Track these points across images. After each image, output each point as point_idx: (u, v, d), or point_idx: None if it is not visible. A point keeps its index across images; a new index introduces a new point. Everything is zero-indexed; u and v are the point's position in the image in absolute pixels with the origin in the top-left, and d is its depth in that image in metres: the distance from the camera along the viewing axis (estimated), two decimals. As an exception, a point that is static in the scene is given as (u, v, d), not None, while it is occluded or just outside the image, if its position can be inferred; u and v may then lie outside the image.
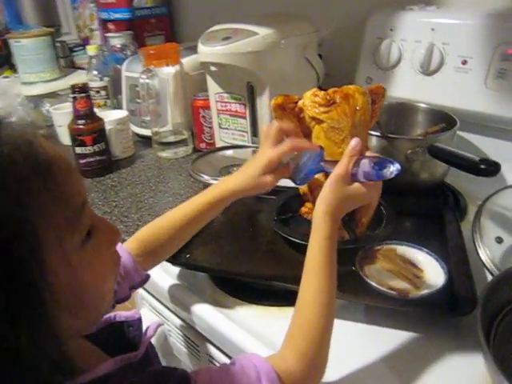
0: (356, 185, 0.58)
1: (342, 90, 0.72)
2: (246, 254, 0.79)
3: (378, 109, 0.77)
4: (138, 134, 1.42)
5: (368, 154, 0.60)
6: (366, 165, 0.57)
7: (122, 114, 1.32)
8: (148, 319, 0.84)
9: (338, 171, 0.57)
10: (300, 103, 0.73)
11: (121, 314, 0.56)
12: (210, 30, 1.12)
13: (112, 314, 0.55)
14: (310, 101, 0.71)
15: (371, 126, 0.78)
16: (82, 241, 0.40)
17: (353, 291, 0.68)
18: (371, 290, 0.67)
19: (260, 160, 0.68)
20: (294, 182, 0.70)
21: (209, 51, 1.06)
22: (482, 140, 1.03)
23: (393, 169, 0.56)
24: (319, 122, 0.71)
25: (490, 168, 0.71)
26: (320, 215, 0.56)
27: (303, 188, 0.76)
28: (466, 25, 0.98)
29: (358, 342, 0.64)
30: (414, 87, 1.07)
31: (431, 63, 1.02)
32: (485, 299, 0.58)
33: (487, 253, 0.74)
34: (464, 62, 0.99)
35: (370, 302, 0.69)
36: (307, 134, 0.75)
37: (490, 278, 0.71)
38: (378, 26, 1.11)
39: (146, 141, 1.38)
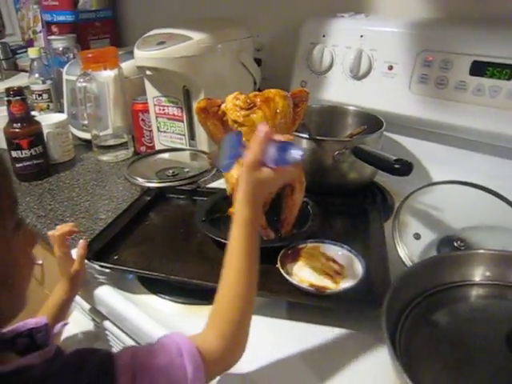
0: (265, 170, 0.57)
1: (263, 94, 0.74)
2: (176, 255, 0.80)
3: (300, 111, 0.80)
4: (79, 138, 1.41)
5: (277, 137, 0.59)
6: (271, 150, 0.58)
7: (60, 117, 1.31)
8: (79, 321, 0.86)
9: (246, 159, 0.57)
10: (223, 106, 0.75)
11: (29, 321, 0.56)
12: (147, 34, 1.13)
13: (21, 323, 0.55)
14: (232, 104, 0.73)
15: (294, 128, 0.81)
16: (13, 229, 0.45)
17: (275, 289, 0.71)
18: (292, 287, 0.70)
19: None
20: (218, 168, 0.70)
21: (144, 55, 1.07)
22: (408, 141, 1.07)
23: (295, 153, 0.57)
24: (241, 125, 0.73)
25: (403, 168, 0.75)
26: (237, 203, 0.58)
27: (229, 189, 0.78)
28: (391, 32, 1.03)
29: (279, 338, 0.66)
30: (345, 91, 1.10)
31: (360, 68, 1.06)
32: (392, 293, 0.61)
33: (405, 249, 0.78)
34: (390, 68, 1.03)
35: (290, 298, 0.71)
36: (231, 137, 0.77)
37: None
38: (312, 32, 1.15)
39: (87, 144, 1.37)
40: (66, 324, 0.62)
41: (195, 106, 0.75)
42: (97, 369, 0.44)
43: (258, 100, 0.73)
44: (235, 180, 0.75)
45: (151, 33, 1.13)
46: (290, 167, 0.58)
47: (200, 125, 0.76)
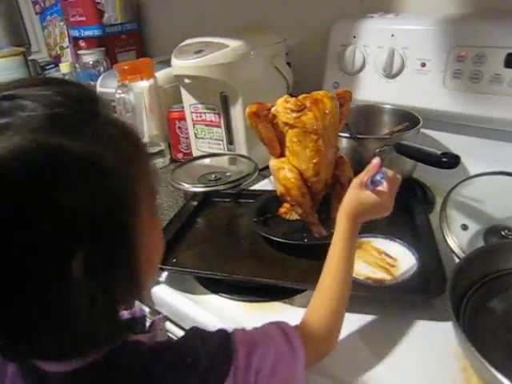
0: (368, 192, 0.66)
1: (311, 96, 0.77)
2: (229, 255, 0.83)
3: (345, 111, 0.83)
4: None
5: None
6: (374, 174, 0.67)
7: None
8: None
9: (354, 180, 0.68)
10: (273, 110, 0.77)
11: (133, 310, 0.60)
12: (183, 44, 1.16)
13: (137, 308, 0.59)
14: (282, 107, 0.76)
15: (340, 127, 0.83)
16: (153, 213, 0.48)
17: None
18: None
19: None
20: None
21: (182, 64, 1.11)
22: (445, 136, 1.09)
23: (378, 176, 0.66)
24: (292, 126, 0.76)
25: (451, 160, 0.77)
26: (339, 216, 0.65)
27: (281, 189, 0.80)
28: (422, 30, 1.05)
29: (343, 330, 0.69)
30: (379, 90, 1.13)
31: (393, 67, 1.09)
32: (453, 280, 0.63)
33: (454, 239, 0.80)
34: (423, 65, 1.05)
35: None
36: (281, 139, 0.80)
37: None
38: (342, 34, 1.17)
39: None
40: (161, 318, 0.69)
41: (246, 110, 0.77)
42: (218, 343, 0.48)
43: (308, 102, 0.76)
44: (289, 182, 0.77)
45: (187, 42, 1.16)
46: (384, 192, 0.67)
47: (251, 128, 0.79)
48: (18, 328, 0.38)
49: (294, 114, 0.75)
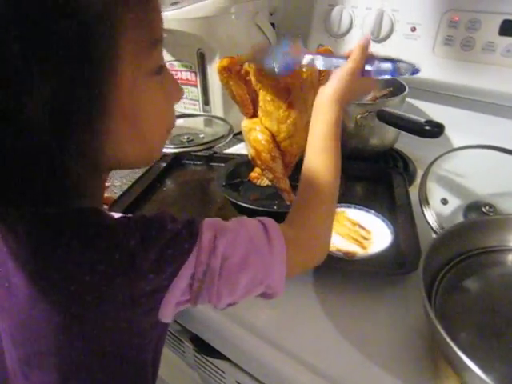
0: (365, 79, 0.59)
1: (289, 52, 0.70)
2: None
3: (325, 72, 0.76)
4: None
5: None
6: (377, 62, 0.59)
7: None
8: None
9: (351, 65, 0.58)
10: (246, 66, 0.71)
11: None
12: (159, -6, 1.08)
13: None
14: (257, 62, 0.70)
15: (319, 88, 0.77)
16: (151, 72, 0.40)
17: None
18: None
19: None
20: (270, 69, 0.64)
21: (157, 16, 1.03)
22: (430, 106, 1.04)
23: (409, 68, 0.58)
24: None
25: (434, 129, 0.72)
26: (327, 102, 0.57)
27: (252, 153, 0.75)
28: (415, -9, 0.99)
29: (306, 304, 0.64)
30: (365, 54, 1.07)
31: (381, 30, 1.03)
32: (428, 256, 0.59)
33: (433, 214, 0.76)
34: (413, 29, 0.99)
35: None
36: (254, 98, 0.74)
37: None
38: (330, -7, 1.10)
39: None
40: None
41: (217, 64, 0.71)
42: (184, 222, 0.44)
43: (285, 58, 0.69)
44: (260, 144, 0.72)
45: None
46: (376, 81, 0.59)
47: (221, 85, 0.73)
48: None
49: (269, 71, 0.69)
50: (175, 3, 1.01)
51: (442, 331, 0.48)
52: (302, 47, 0.63)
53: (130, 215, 0.44)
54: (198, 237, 0.43)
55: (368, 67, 0.59)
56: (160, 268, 0.41)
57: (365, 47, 0.59)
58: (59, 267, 0.39)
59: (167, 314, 0.43)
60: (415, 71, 0.58)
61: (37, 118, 0.32)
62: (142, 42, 0.38)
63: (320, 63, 0.62)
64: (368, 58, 0.59)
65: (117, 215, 0.59)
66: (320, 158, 0.55)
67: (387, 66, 0.59)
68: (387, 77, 0.59)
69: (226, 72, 0.71)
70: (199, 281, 0.43)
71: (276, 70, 0.63)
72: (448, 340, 0.47)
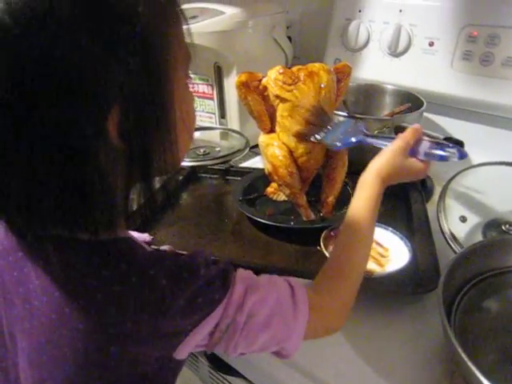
0: (414, 160, 0.59)
1: (306, 68, 0.71)
2: (211, 234, 0.78)
3: (343, 87, 0.76)
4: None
5: (427, 138, 0.62)
6: (427, 144, 0.60)
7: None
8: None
9: (399, 143, 0.59)
10: (264, 81, 0.71)
11: None
12: (177, 9, 1.09)
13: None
14: (275, 78, 0.70)
15: (337, 105, 0.77)
16: (187, 81, 0.44)
17: (317, 270, 0.68)
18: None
19: None
20: (326, 142, 0.68)
21: (175, 30, 1.04)
22: (448, 121, 1.04)
23: (457, 153, 0.59)
24: (283, 100, 0.70)
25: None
26: (371, 176, 0.58)
27: (268, 168, 0.75)
28: (433, 6, 0.98)
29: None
30: (382, 68, 1.06)
31: (399, 44, 1.02)
32: (447, 276, 0.58)
33: (451, 232, 0.74)
34: (431, 44, 0.99)
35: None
36: (272, 113, 0.74)
37: (453, 256, 0.71)
38: (347, 8, 1.11)
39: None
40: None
41: (236, 80, 0.71)
42: (219, 270, 0.43)
43: (302, 74, 0.70)
44: (277, 159, 0.72)
45: (182, 7, 1.09)
46: (426, 165, 0.59)
47: (240, 100, 0.73)
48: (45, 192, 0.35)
49: (287, 87, 0.69)
50: (193, 17, 1.02)
51: (462, 353, 0.47)
52: (360, 128, 0.66)
53: (162, 249, 0.44)
54: (230, 289, 0.43)
55: (417, 148, 0.60)
56: (187, 314, 0.41)
57: (417, 130, 0.60)
58: (87, 296, 0.39)
59: (183, 353, 0.44)
60: (463, 155, 0.59)
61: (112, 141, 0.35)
62: (185, 53, 0.42)
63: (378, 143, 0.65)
64: (419, 140, 0.60)
65: (145, 236, 0.59)
66: (354, 231, 0.55)
67: (438, 152, 0.59)
68: (435, 160, 0.60)
69: (245, 87, 0.72)
70: (221, 331, 0.43)
71: (337, 144, 0.66)
72: (468, 362, 0.46)
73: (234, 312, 0.42)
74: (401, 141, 0.59)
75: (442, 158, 0.59)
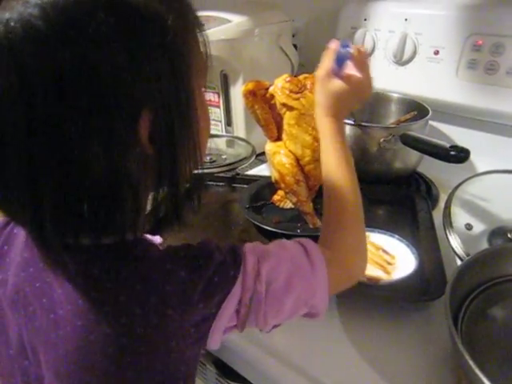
0: (335, 80, 0.57)
1: (313, 76, 0.71)
2: (218, 241, 0.78)
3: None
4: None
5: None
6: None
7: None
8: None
9: (317, 72, 0.59)
10: (271, 89, 0.72)
11: None
12: (184, 17, 1.10)
13: None
14: (282, 87, 0.71)
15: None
16: (203, 88, 0.45)
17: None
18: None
19: None
20: None
21: (182, 39, 1.05)
22: (454, 129, 1.04)
23: (341, 51, 0.57)
24: (290, 108, 0.71)
25: (459, 154, 0.71)
26: (320, 120, 0.58)
27: (275, 176, 0.75)
28: (438, 15, 0.99)
29: (329, 329, 0.64)
30: (387, 77, 1.07)
31: (404, 53, 1.03)
32: (454, 283, 0.59)
33: (457, 239, 0.75)
34: (436, 52, 0.99)
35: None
36: (279, 121, 0.74)
37: (460, 263, 0.71)
38: (352, 16, 1.11)
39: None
40: None
41: (242, 88, 0.72)
42: (228, 249, 0.45)
43: (309, 83, 0.70)
44: (284, 167, 0.72)
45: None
46: (355, 75, 0.57)
47: (247, 108, 0.74)
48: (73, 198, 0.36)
49: (293, 95, 0.70)
50: (200, 26, 1.03)
51: (469, 361, 0.47)
52: None
53: (175, 245, 0.45)
54: (242, 263, 0.44)
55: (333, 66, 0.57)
56: (208, 297, 0.41)
57: (329, 50, 0.58)
58: (110, 300, 0.40)
59: (215, 341, 0.44)
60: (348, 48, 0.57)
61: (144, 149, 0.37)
62: (202, 60, 0.43)
63: None
64: (341, 57, 0.57)
65: (156, 238, 0.60)
66: (335, 178, 0.55)
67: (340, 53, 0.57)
68: (345, 60, 0.57)
69: (252, 96, 0.72)
70: (246, 306, 0.43)
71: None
72: (476, 370, 0.46)
73: (252, 283, 0.43)
74: (318, 70, 0.59)
75: (341, 59, 0.57)
